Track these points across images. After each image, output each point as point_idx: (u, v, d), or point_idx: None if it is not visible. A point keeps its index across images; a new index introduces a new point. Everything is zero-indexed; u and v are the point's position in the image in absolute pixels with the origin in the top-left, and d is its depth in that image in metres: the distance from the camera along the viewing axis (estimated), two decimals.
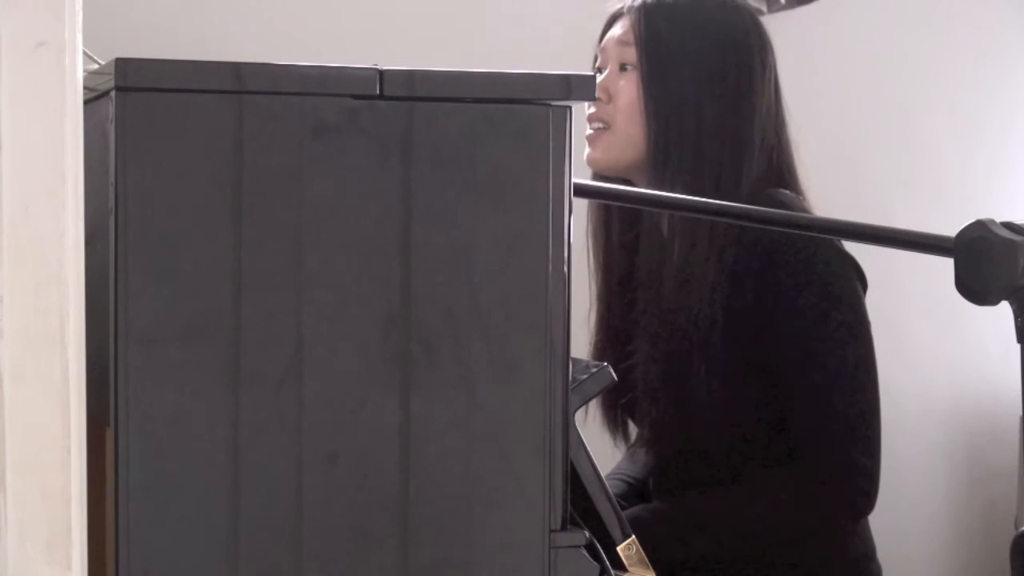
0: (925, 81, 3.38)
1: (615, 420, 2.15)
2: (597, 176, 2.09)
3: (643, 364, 2.03)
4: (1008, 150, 3.45)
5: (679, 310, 1.99)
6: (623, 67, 2.04)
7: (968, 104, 3.41)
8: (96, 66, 1.28)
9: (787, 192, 2.04)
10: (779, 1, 3.18)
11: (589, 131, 2.07)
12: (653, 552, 1.85)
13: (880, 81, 3.34)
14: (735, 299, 1.96)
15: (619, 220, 2.13)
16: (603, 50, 2.09)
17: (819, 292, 1.95)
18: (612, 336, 2.13)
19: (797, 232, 1.91)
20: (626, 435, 2.16)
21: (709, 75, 2.01)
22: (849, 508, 1.97)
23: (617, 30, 2.07)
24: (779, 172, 2.05)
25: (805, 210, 2.03)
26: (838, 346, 1.95)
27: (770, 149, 2.04)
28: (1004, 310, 1.35)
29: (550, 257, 1.21)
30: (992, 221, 1.34)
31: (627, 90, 2.03)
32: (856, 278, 2.01)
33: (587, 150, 2.07)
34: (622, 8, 2.08)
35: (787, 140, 2.08)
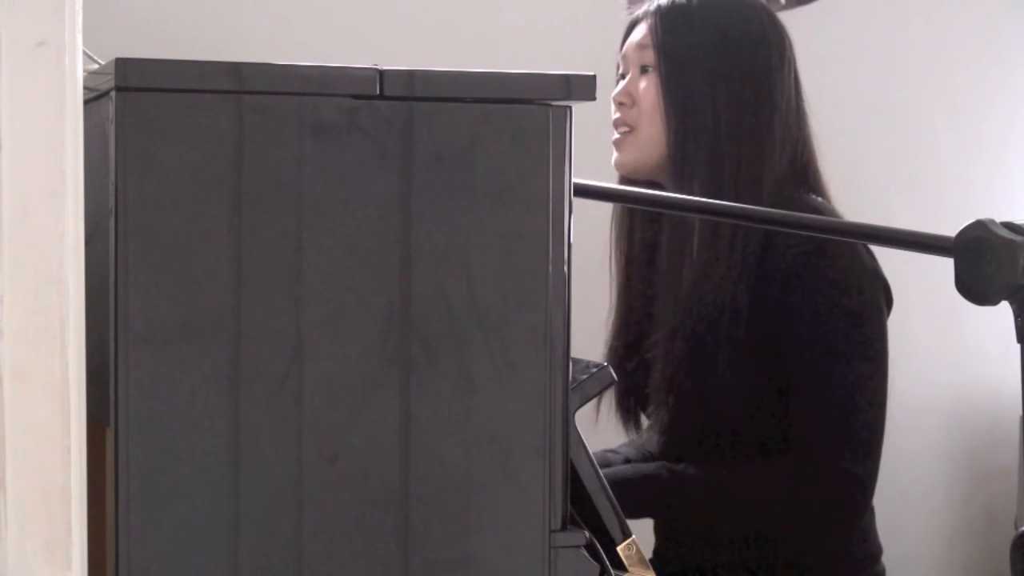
0: (925, 81, 3.38)
1: (628, 411, 2.16)
2: (625, 180, 2.10)
3: (663, 355, 2.03)
4: (1008, 150, 3.45)
5: (701, 302, 2.00)
6: (643, 70, 2.06)
7: (968, 104, 3.42)
8: (96, 66, 1.28)
9: (817, 198, 2.05)
10: (779, 1, 3.18)
11: (616, 135, 2.08)
12: (636, 511, 1.86)
13: (880, 81, 3.34)
14: (761, 297, 1.97)
15: (641, 220, 2.14)
16: (624, 57, 2.11)
17: (843, 307, 1.96)
18: (629, 336, 2.14)
19: (825, 237, 1.91)
20: (638, 426, 2.17)
21: (726, 72, 2.02)
22: (837, 513, 1.98)
23: (636, 35, 2.09)
24: (803, 171, 2.06)
25: (833, 213, 2.04)
26: (853, 360, 1.96)
27: (793, 145, 2.05)
28: (1004, 310, 1.35)
29: (550, 257, 1.21)
30: (992, 221, 1.33)
31: (648, 91, 2.05)
32: (883, 296, 2.02)
33: (614, 155, 2.08)
34: (640, 15, 2.10)
35: (809, 135, 2.09)
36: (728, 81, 2.02)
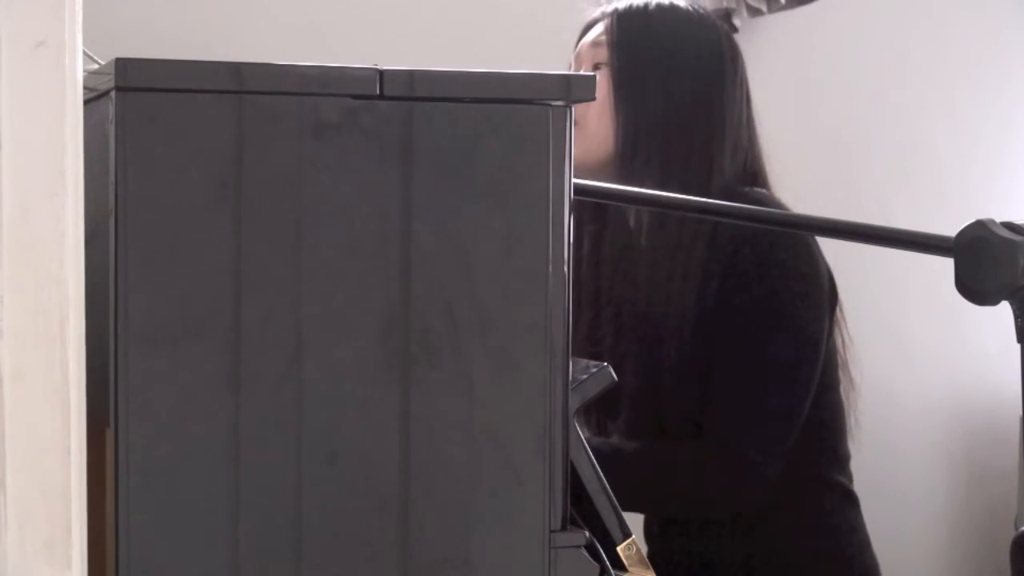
0: (925, 81, 3.38)
1: (597, 421, 2.16)
2: None
3: (611, 359, 2.05)
4: (1008, 150, 3.45)
5: (649, 304, 2.01)
6: (596, 67, 2.08)
7: (968, 104, 3.42)
8: (96, 66, 1.28)
9: (762, 190, 2.07)
10: (779, 1, 3.18)
11: None
12: None
13: (880, 81, 3.34)
14: (705, 293, 1.99)
15: (589, 217, 2.14)
16: (577, 55, 2.13)
17: (775, 294, 1.98)
18: (583, 337, 2.14)
19: (785, 231, 1.92)
20: (605, 431, 2.17)
21: (679, 76, 2.06)
22: (732, 496, 1.99)
23: (591, 35, 2.12)
24: (752, 178, 2.08)
25: (781, 206, 2.05)
26: (774, 346, 1.98)
27: (743, 156, 2.07)
28: (1004, 310, 1.35)
29: (550, 257, 1.21)
30: (992, 221, 1.33)
31: (599, 87, 2.05)
32: (825, 289, 2.03)
33: None
34: (597, 16, 2.12)
35: (759, 148, 2.11)
36: (680, 87, 2.05)
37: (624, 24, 2.08)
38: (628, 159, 2.04)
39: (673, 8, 2.10)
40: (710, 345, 1.99)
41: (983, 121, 3.43)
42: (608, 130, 2.05)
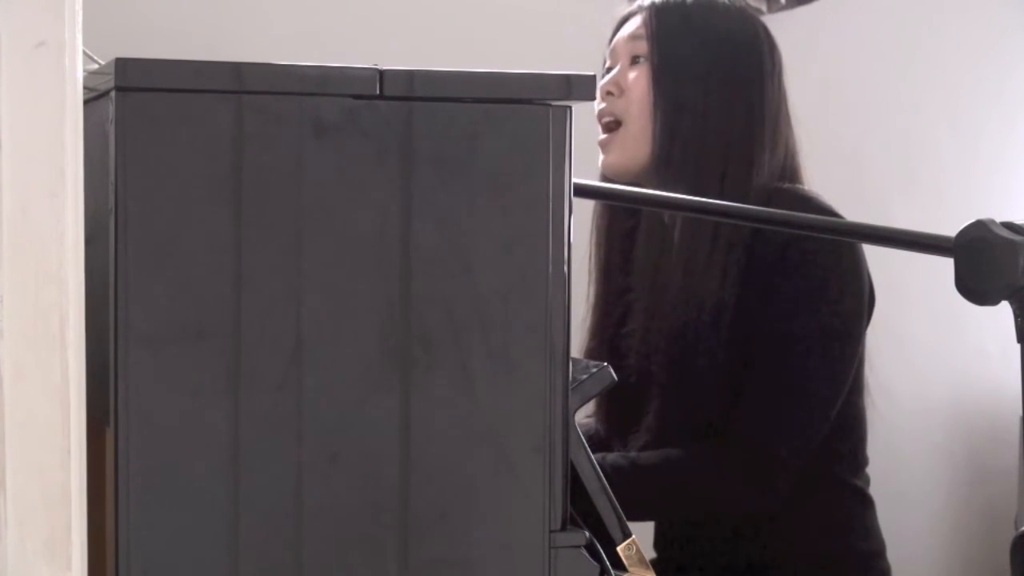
0: (925, 81, 3.38)
1: (620, 422, 2.14)
2: (610, 181, 2.09)
3: (641, 351, 2.03)
4: (1008, 150, 3.45)
5: (684, 299, 1.99)
6: (634, 60, 2.05)
7: (968, 104, 3.42)
8: (96, 66, 1.28)
9: (799, 187, 2.05)
10: (779, 1, 3.18)
11: (602, 136, 2.06)
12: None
13: (881, 81, 3.34)
14: (748, 290, 1.97)
15: (620, 220, 2.13)
16: (613, 49, 2.10)
17: (816, 293, 1.96)
18: (607, 341, 2.13)
19: (811, 235, 1.91)
20: (627, 439, 2.15)
21: (719, 72, 2.02)
22: (750, 486, 1.97)
23: (628, 28, 2.09)
24: (791, 177, 2.06)
25: (823, 204, 2.03)
26: (811, 345, 1.96)
27: (783, 152, 2.05)
28: (1004, 310, 1.35)
29: (550, 257, 1.21)
30: (992, 221, 1.34)
31: (639, 82, 2.03)
32: (864, 291, 2.01)
33: (601, 157, 2.06)
34: (633, 9, 2.09)
35: (795, 144, 2.09)
36: (720, 83, 2.02)
37: (662, 17, 2.04)
38: (665, 158, 2.00)
39: (711, 2, 2.07)
40: (746, 342, 1.97)
41: (984, 121, 3.43)
42: (649, 130, 2.02)
